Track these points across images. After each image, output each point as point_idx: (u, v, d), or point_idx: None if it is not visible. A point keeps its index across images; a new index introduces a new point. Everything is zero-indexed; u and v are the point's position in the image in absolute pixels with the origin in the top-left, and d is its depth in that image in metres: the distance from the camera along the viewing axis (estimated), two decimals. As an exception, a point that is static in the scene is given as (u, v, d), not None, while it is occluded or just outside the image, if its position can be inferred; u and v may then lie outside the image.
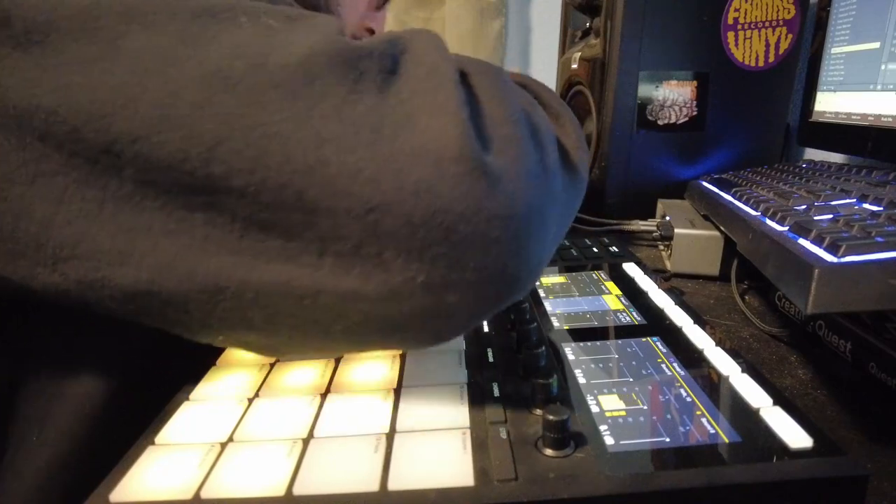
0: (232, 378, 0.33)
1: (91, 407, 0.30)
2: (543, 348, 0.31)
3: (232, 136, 0.22)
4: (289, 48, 0.23)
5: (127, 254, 0.24)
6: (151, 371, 0.34)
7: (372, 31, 0.60)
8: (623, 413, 0.27)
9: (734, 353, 0.31)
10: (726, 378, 0.30)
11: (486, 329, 0.37)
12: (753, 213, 0.46)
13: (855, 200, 0.43)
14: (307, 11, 0.27)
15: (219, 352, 0.35)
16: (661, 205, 0.72)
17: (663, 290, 0.42)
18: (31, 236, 0.24)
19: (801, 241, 0.34)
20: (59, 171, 0.23)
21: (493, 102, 0.26)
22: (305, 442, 0.26)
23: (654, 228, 0.65)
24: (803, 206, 0.43)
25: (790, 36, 0.75)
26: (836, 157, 0.76)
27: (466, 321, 0.26)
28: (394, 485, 0.23)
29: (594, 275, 0.47)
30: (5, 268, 0.25)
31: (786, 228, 0.38)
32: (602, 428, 0.26)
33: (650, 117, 0.77)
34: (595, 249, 0.55)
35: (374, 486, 0.23)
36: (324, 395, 0.30)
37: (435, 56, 0.26)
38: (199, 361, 0.34)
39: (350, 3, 0.56)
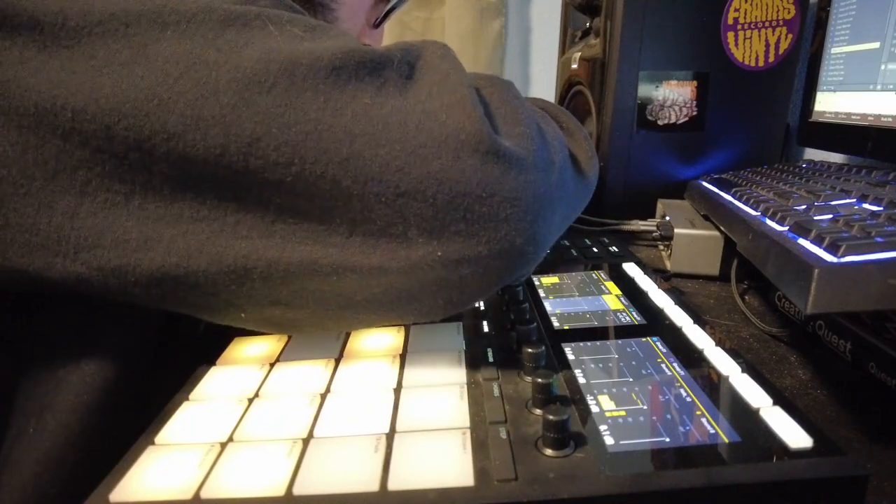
0: (232, 378, 0.33)
1: (90, 400, 0.30)
2: (543, 348, 0.31)
3: (269, 133, 0.25)
4: (317, 53, 0.26)
5: (155, 240, 0.26)
6: (151, 364, 0.34)
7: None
8: (623, 413, 0.27)
9: (734, 353, 0.31)
10: (726, 378, 0.30)
11: (486, 329, 0.37)
12: (753, 213, 0.46)
13: (855, 200, 0.43)
14: (322, 22, 0.29)
15: (219, 349, 0.35)
16: (661, 205, 0.72)
17: (663, 290, 0.42)
18: (52, 228, 0.25)
19: (801, 241, 0.34)
20: (80, 166, 0.25)
21: (503, 109, 0.30)
22: (305, 442, 0.26)
23: (654, 228, 0.65)
24: (803, 206, 0.43)
25: (790, 36, 0.75)
26: (836, 157, 0.76)
27: (477, 292, 0.29)
28: (394, 485, 0.23)
29: (594, 275, 0.47)
30: (21, 260, 0.26)
31: (786, 228, 0.38)
32: (602, 428, 0.26)
33: (650, 117, 0.77)
34: (595, 249, 0.55)
35: (374, 486, 0.23)
36: (324, 395, 0.30)
37: (447, 65, 0.29)
38: (199, 356, 0.34)
39: (349, 19, 0.56)
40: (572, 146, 0.37)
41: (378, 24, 0.60)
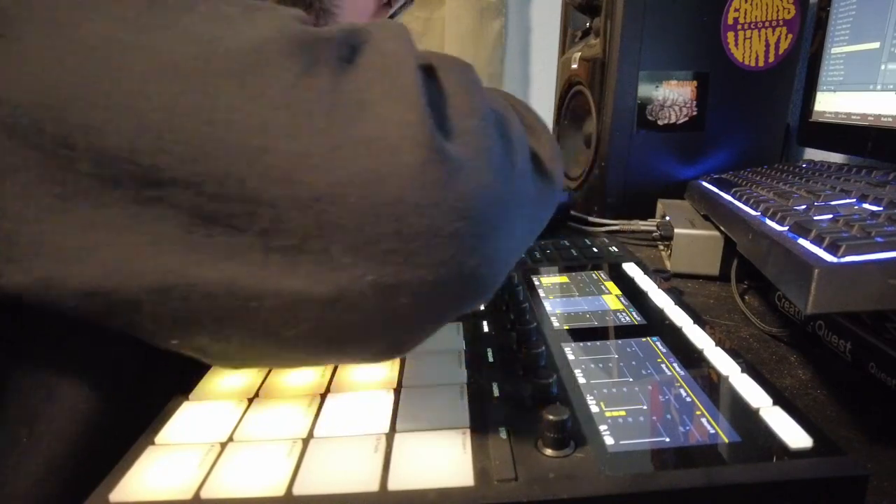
0: (232, 378, 0.33)
1: (87, 408, 0.30)
2: (543, 348, 0.31)
3: (178, 126, 0.22)
4: (243, 35, 0.23)
5: (87, 250, 0.23)
6: (149, 371, 0.34)
7: None
8: (623, 413, 0.27)
9: (734, 353, 0.31)
10: (726, 378, 0.30)
11: (486, 329, 0.37)
12: (753, 213, 0.46)
13: (855, 200, 0.43)
14: (267, 3, 0.26)
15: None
16: (661, 205, 0.72)
17: (663, 290, 0.42)
18: (4, 233, 0.23)
19: (801, 241, 0.34)
20: (22, 167, 0.23)
21: (458, 95, 0.25)
22: (305, 442, 0.26)
23: (654, 228, 0.65)
24: (803, 206, 0.43)
25: (790, 36, 0.75)
26: (836, 157, 0.76)
27: (425, 327, 0.24)
28: (394, 485, 0.23)
29: (594, 275, 0.47)
30: None
31: (786, 228, 0.38)
32: (602, 428, 0.26)
33: (650, 117, 0.77)
34: (595, 249, 0.55)
35: (374, 486, 0.23)
36: (324, 395, 0.30)
37: (396, 45, 0.25)
38: (198, 362, 0.34)
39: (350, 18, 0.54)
40: (535, 145, 0.32)
41: None
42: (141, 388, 0.32)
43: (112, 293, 0.23)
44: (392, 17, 0.60)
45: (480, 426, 0.27)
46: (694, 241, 0.59)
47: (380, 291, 0.22)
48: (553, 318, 0.39)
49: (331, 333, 0.24)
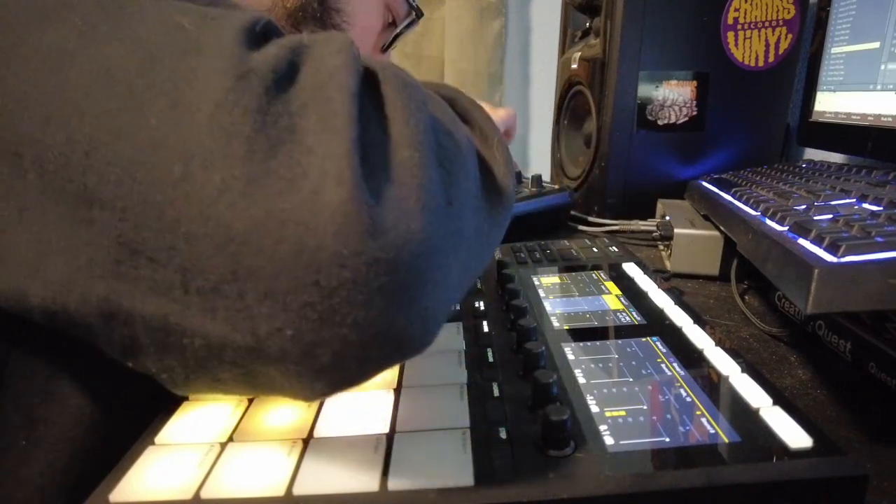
0: (232, 378, 0.33)
1: (88, 411, 0.30)
2: (543, 348, 0.31)
3: (105, 143, 0.20)
4: (184, 51, 0.22)
5: (36, 268, 0.22)
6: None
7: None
8: (623, 413, 0.27)
9: (734, 353, 0.31)
10: (726, 378, 0.30)
11: (486, 329, 0.37)
12: (753, 213, 0.46)
13: (855, 200, 0.43)
14: (227, 11, 0.25)
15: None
16: (661, 205, 0.72)
17: (663, 290, 0.42)
18: None
19: (801, 241, 0.34)
20: None
21: (398, 117, 0.23)
22: (305, 442, 0.26)
23: (654, 228, 0.65)
24: (803, 206, 0.43)
25: (790, 36, 0.75)
26: (836, 157, 0.76)
27: (354, 380, 0.22)
28: (394, 485, 0.23)
29: (594, 275, 0.47)
30: None
31: (786, 228, 0.38)
32: (602, 428, 0.26)
33: (650, 117, 0.77)
34: (595, 249, 0.55)
35: (374, 486, 0.23)
36: (324, 395, 0.30)
37: (337, 62, 0.22)
38: None
39: (357, 42, 0.55)
40: (487, 155, 0.29)
41: (386, 49, 0.59)
42: (143, 389, 0.32)
43: (62, 314, 0.23)
44: (397, 36, 0.60)
45: (480, 426, 0.27)
46: (694, 241, 0.59)
47: (299, 346, 0.20)
48: (553, 318, 0.39)
49: (261, 379, 0.22)
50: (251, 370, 0.22)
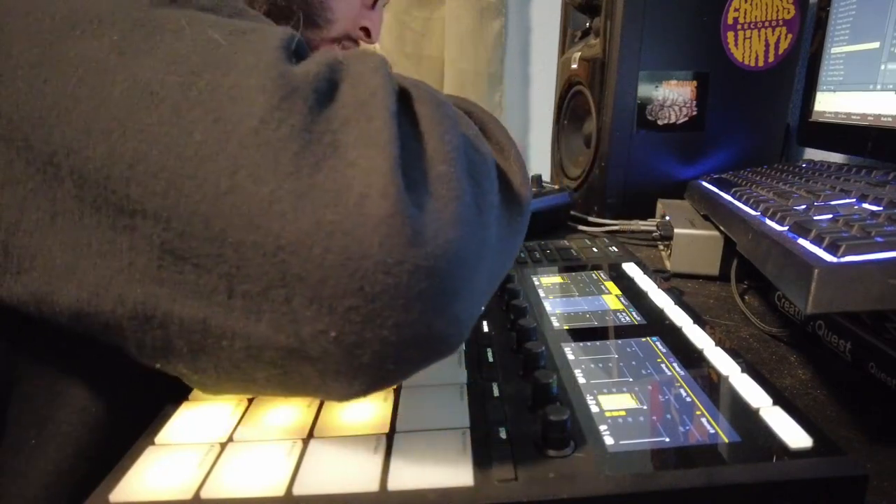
0: (232, 378, 0.33)
1: (95, 410, 0.30)
2: (543, 348, 0.31)
3: (149, 156, 0.21)
4: (224, 66, 0.22)
5: (72, 270, 0.23)
6: (157, 373, 0.34)
7: (367, 31, 0.60)
8: (623, 413, 0.27)
9: (734, 353, 0.31)
10: (726, 378, 0.30)
11: (486, 329, 0.37)
12: (753, 212, 0.46)
13: (854, 200, 0.43)
14: (258, 24, 0.25)
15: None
16: (661, 205, 0.72)
17: (663, 290, 0.42)
18: (0, 243, 0.24)
19: (801, 241, 0.34)
20: (20, 179, 0.23)
21: (433, 134, 0.24)
22: (305, 442, 0.26)
23: (654, 228, 0.65)
24: (803, 206, 0.43)
25: (790, 36, 0.75)
26: (836, 157, 0.76)
27: (391, 379, 0.23)
28: (393, 485, 0.23)
29: (594, 275, 0.47)
30: None
31: (785, 228, 0.38)
32: (602, 428, 0.26)
33: (650, 117, 0.77)
34: (595, 249, 0.55)
35: (373, 486, 0.23)
36: (324, 395, 0.30)
37: (375, 82, 0.23)
38: None
39: (346, 11, 0.56)
40: (505, 166, 0.30)
41: (374, 5, 0.60)
42: (150, 390, 0.32)
43: (95, 315, 0.23)
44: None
45: (480, 426, 0.27)
46: (694, 241, 0.59)
47: (342, 347, 0.21)
48: (553, 318, 0.39)
49: (297, 379, 0.23)
50: (289, 370, 0.23)
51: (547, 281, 0.46)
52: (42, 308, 0.24)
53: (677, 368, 0.31)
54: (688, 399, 0.28)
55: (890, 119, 0.54)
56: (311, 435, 0.27)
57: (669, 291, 0.42)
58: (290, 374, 0.23)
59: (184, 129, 0.21)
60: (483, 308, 0.26)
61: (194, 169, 0.21)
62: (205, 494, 0.24)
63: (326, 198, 0.20)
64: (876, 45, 0.57)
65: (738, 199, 0.51)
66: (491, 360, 0.33)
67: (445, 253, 0.21)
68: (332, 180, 0.21)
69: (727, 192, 0.56)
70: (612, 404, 0.28)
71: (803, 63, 0.75)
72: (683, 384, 0.29)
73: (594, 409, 0.28)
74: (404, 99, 0.25)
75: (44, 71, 0.23)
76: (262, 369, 0.23)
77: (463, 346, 0.35)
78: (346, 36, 0.57)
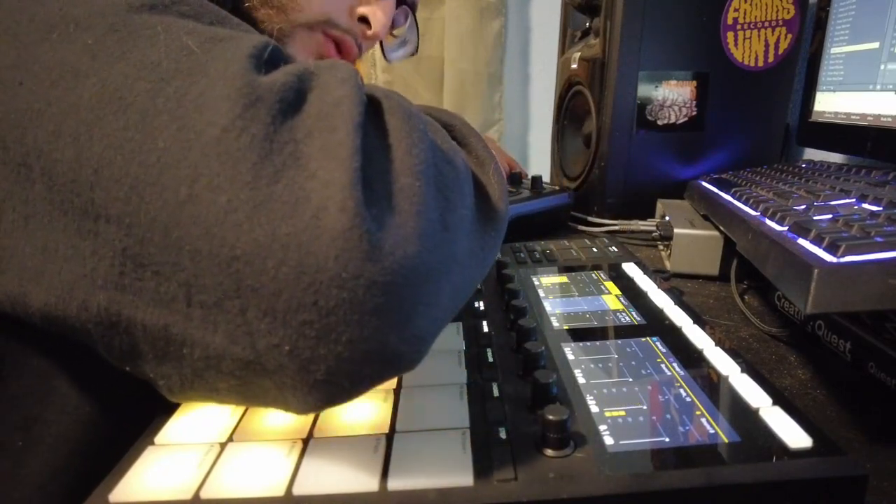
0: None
1: (88, 410, 0.30)
2: (543, 348, 0.31)
3: (114, 161, 0.21)
4: (193, 74, 0.22)
5: (40, 273, 0.23)
6: None
7: (366, 20, 0.53)
8: (623, 413, 0.27)
9: (734, 353, 0.31)
10: (726, 378, 0.30)
11: (485, 329, 0.37)
12: (753, 212, 0.46)
13: (854, 200, 0.43)
14: (235, 32, 0.25)
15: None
16: (661, 205, 0.72)
17: (663, 290, 0.42)
18: None
19: (801, 241, 0.34)
20: None
21: (401, 146, 0.24)
22: (305, 442, 0.26)
23: (654, 228, 0.65)
24: (803, 206, 0.43)
25: (790, 36, 0.75)
26: (836, 157, 0.76)
27: (347, 396, 0.23)
28: (393, 485, 0.23)
29: (594, 275, 0.47)
30: None
31: (785, 228, 0.38)
32: (602, 428, 0.26)
33: (650, 117, 0.77)
34: (595, 249, 0.55)
35: (373, 486, 0.23)
36: (324, 395, 0.30)
37: (341, 93, 0.23)
38: None
39: None
40: (483, 180, 0.30)
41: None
42: (141, 389, 0.32)
43: (63, 319, 0.23)
44: None
45: (480, 426, 0.27)
46: (694, 241, 0.59)
47: (296, 362, 0.21)
48: (553, 318, 0.39)
49: (256, 390, 0.23)
50: (247, 381, 0.22)
51: (547, 281, 0.46)
52: (17, 309, 0.24)
53: (677, 368, 0.31)
54: (687, 399, 0.28)
55: (889, 119, 0.55)
56: (310, 435, 0.27)
57: (669, 291, 0.42)
58: (248, 386, 0.23)
59: (148, 136, 0.21)
60: (446, 323, 0.26)
61: (156, 176, 0.21)
62: (204, 494, 0.24)
63: (283, 209, 0.20)
64: (875, 45, 0.57)
65: (738, 199, 0.51)
66: (491, 360, 0.33)
67: (403, 268, 0.21)
68: (290, 192, 0.20)
69: (727, 192, 0.56)
70: (612, 404, 0.28)
71: (803, 63, 0.75)
72: (683, 384, 0.29)
73: (594, 409, 0.28)
74: (374, 111, 0.25)
75: (19, 73, 0.23)
76: (223, 379, 0.23)
77: (463, 346, 0.35)
78: (328, 22, 0.51)
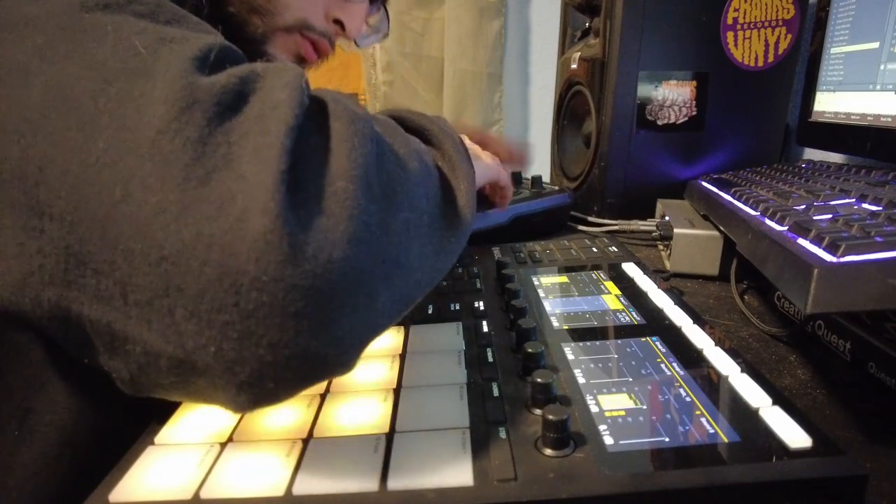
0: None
1: (81, 401, 0.30)
2: (543, 348, 0.31)
3: (57, 160, 0.22)
4: (137, 75, 0.23)
5: None
6: None
7: (341, 24, 0.56)
8: (623, 413, 0.27)
9: (733, 353, 0.31)
10: (725, 378, 0.30)
11: (486, 329, 0.37)
12: (753, 212, 0.46)
13: (854, 200, 0.43)
14: (187, 32, 0.26)
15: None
16: (661, 205, 0.72)
17: (663, 290, 0.42)
18: None
19: (801, 241, 0.34)
20: None
21: (340, 150, 0.24)
22: (305, 442, 0.26)
23: (654, 228, 0.65)
24: (803, 206, 0.43)
25: (789, 36, 0.75)
26: (836, 157, 0.76)
27: (274, 398, 0.23)
28: (393, 485, 0.23)
29: (594, 275, 0.47)
30: None
31: (785, 228, 0.38)
32: (602, 428, 0.26)
33: (649, 117, 0.77)
34: (595, 249, 0.55)
35: (373, 486, 0.23)
36: (323, 396, 0.30)
37: (280, 96, 0.23)
38: None
39: None
40: (453, 183, 0.30)
41: None
42: None
43: (19, 314, 0.24)
44: None
45: (480, 426, 0.27)
46: (693, 241, 0.59)
47: (222, 363, 0.21)
48: (553, 318, 0.39)
49: (193, 388, 0.23)
50: (185, 379, 0.23)
51: (547, 281, 0.46)
52: None
53: (677, 368, 0.31)
54: (687, 399, 0.28)
55: (889, 119, 0.55)
56: (310, 435, 0.27)
57: (669, 291, 0.42)
58: (187, 384, 0.23)
59: (89, 136, 0.22)
60: (385, 327, 0.26)
61: (94, 176, 0.21)
62: (204, 494, 0.24)
63: (210, 210, 0.20)
64: (875, 45, 0.57)
65: (738, 199, 0.51)
66: (491, 360, 0.33)
67: (328, 272, 0.21)
68: (217, 193, 0.21)
69: (727, 192, 0.56)
70: (611, 404, 0.28)
71: (803, 63, 0.75)
72: (683, 384, 0.29)
73: (594, 409, 0.28)
74: (318, 113, 0.25)
75: None
76: (163, 376, 0.23)
77: (463, 346, 0.35)
78: (304, 25, 0.53)
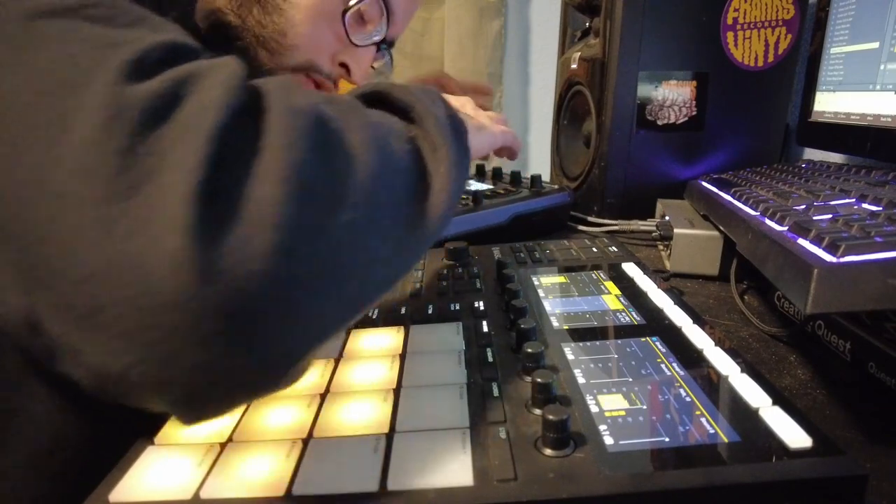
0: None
1: (72, 400, 0.30)
2: (543, 348, 0.31)
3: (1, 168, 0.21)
4: (72, 86, 0.22)
5: None
6: None
7: (347, 68, 0.56)
8: (623, 413, 0.27)
9: (733, 353, 0.31)
10: (725, 378, 0.30)
11: (486, 329, 0.37)
12: (753, 212, 0.46)
13: (854, 200, 0.43)
14: (138, 34, 0.25)
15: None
16: (661, 205, 0.72)
17: (663, 289, 0.42)
18: None
19: (801, 241, 0.34)
20: None
21: (272, 149, 0.22)
22: (305, 442, 0.26)
23: (654, 228, 0.65)
24: (802, 206, 0.43)
25: (789, 36, 0.75)
26: (836, 157, 0.76)
27: (210, 415, 0.23)
28: (393, 485, 0.23)
29: (594, 275, 0.47)
30: None
31: (785, 228, 0.38)
32: (601, 428, 0.26)
33: (649, 117, 0.77)
34: (595, 249, 0.55)
35: (373, 486, 0.23)
36: (323, 396, 0.30)
37: (210, 96, 0.22)
38: None
39: (310, 40, 0.53)
40: (430, 167, 0.28)
41: (360, 44, 0.55)
42: None
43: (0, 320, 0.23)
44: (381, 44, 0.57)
45: (480, 426, 0.27)
46: (693, 241, 0.59)
47: (150, 382, 0.21)
48: (553, 318, 0.39)
49: (144, 401, 0.23)
50: (127, 392, 0.22)
51: (547, 281, 0.46)
52: None
53: (677, 368, 0.31)
54: (687, 399, 0.28)
55: (889, 119, 0.55)
56: (310, 435, 0.27)
57: (669, 291, 0.42)
58: (135, 396, 0.22)
59: (22, 152, 0.21)
60: (333, 332, 0.25)
61: (26, 193, 0.21)
62: (204, 494, 0.24)
63: (132, 226, 0.19)
64: (875, 45, 0.57)
65: (738, 199, 0.51)
66: (491, 360, 0.33)
67: (248, 287, 0.20)
68: (142, 207, 0.20)
69: (727, 192, 0.56)
70: (611, 404, 0.28)
71: (803, 63, 0.75)
72: (683, 384, 0.29)
73: (594, 409, 0.28)
74: (254, 110, 0.24)
75: None
76: (114, 387, 0.22)
77: (463, 346, 0.35)
78: (311, 67, 0.54)
